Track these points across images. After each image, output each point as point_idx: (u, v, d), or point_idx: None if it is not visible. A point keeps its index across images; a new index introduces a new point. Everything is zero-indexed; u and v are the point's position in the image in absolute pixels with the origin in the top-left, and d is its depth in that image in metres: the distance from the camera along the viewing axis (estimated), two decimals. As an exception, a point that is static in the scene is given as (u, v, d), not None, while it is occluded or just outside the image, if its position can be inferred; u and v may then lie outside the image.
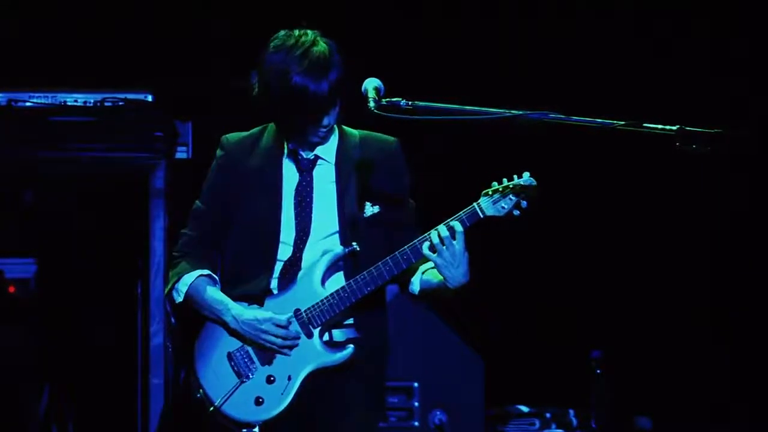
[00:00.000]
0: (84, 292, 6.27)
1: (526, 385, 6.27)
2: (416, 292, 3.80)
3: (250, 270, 3.74)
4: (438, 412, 5.81)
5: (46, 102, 5.52)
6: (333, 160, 3.77)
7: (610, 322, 6.37)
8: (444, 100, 3.59)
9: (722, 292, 6.41)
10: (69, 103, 5.54)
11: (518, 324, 6.47)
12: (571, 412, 6.04)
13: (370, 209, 3.74)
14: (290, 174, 3.77)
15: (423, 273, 3.78)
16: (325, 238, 3.72)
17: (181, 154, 5.75)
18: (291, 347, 3.67)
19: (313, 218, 3.72)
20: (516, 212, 3.60)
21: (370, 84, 3.63)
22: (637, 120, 3.39)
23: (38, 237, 6.20)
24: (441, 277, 3.65)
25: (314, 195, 3.75)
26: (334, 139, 3.80)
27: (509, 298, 6.43)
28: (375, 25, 6.33)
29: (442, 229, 3.59)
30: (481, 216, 3.60)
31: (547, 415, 6.01)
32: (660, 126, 3.34)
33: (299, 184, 3.75)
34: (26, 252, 6.03)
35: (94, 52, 6.23)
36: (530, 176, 3.59)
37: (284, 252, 3.72)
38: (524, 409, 6.06)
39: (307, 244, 3.71)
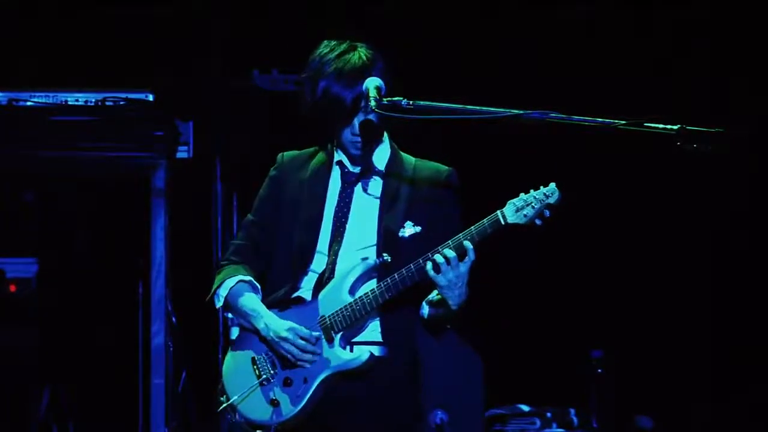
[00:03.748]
0: (85, 292, 6.28)
1: (527, 384, 6.27)
2: (425, 316, 3.78)
3: (284, 277, 3.77)
4: (439, 412, 5.82)
5: (47, 101, 5.53)
6: (381, 175, 3.80)
7: (611, 322, 6.37)
8: (445, 100, 3.60)
9: (722, 292, 6.41)
10: (70, 103, 5.55)
11: (519, 324, 6.47)
12: (572, 411, 6.04)
13: (411, 228, 3.73)
14: (335, 186, 3.80)
15: (429, 298, 3.76)
16: (361, 250, 3.72)
17: (182, 153, 5.76)
18: (308, 360, 3.66)
19: (347, 229, 3.73)
20: (538, 221, 3.58)
21: (372, 83, 3.64)
22: (638, 119, 3.39)
23: (39, 237, 6.21)
24: (440, 303, 3.65)
25: (353, 207, 3.76)
26: (384, 155, 3.82)
27: (510, 297, 6.43)
28: (376, 25, 6.33)
29: (448, 251, 3.56)
30: (503, 223, 3.57)
31: (548, 414, 6.01)
32: (661, 125, 3.33)
33: (340, 196, 3.78)
34: (27, 252, 6.03)
35: (94, 52, 6.24)
36: (555, 186, 3.58)
37: (320, 262, 3.74)
38: (525, 408, 6.06)
39: (340, 255, 3.71)
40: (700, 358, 6.42)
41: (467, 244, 3.56)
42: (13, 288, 5.94)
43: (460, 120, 3.55)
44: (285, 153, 3.94)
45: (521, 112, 3.47)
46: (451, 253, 3.55)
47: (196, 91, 6.06)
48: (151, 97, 5.60)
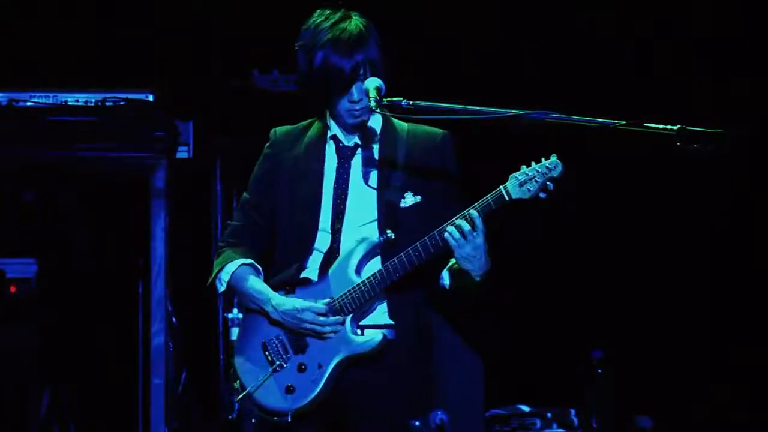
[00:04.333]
0: (85, 292, 6.28)
1: (527, 385, 6.26)
2: (447, 287, 3.75)
3: (288, 257, 3.75)
4: (439, 412, 5.80)
5: (47, 102, 5.53)
6: (376, 147, 3.77)
7: (611, 322, 6.37)
8: (445, 100, 3.60)
9: (722, 292, 6.40)
10: (70, 103, 5.56)
11: (519, 323, 6.46)
12: (572, 411, 6.03)
13: (411, 199, 3.71)
14: (331, 161, 3.78)
15: (449, 266, 3.73)
16: (363, 226, 3.70)
17: (182, 153, 5.77)
18: (329, 333, 3.64)
19: (348, 206, 3.72)
20: (542, 195, 3.55)
21: (371, 84, 3.64)
22: (638, 119, 3.39)
23: (39, 237, 6.21)
24: (463, 273, 3.62)
25: (351, 182, 3.74)
26: (377, 127, 3.80)
27: (510, 297, 6.42)
28: (375, 25, 6.32)
29: (463, 223, 3.55)
30: (507, 199, 3.54)
31: (549, 414, 6.00)
32: (661, 126, 3.34)
33: (338, 172, 3.76)
34: (27, 252, 6.03)
35: (95, 52, 6.24)
36: (557, 158, 3.56)
37: (323, 240, 3.71)
38: (525, 408, 6.05)
39: (343, 232, 3.70)
40: (699, 358, 6.42)
41: (473, 212, 3.54)
42: (13, 288, 5.94)
43: (460, 120, 3.55)
44: (278, 128, 3.91)
45: (521, 112, 3.48)
46: (465, 226, 3.54)
47: (196, 91, 6.06)
48: (151, 98, 5.60)
